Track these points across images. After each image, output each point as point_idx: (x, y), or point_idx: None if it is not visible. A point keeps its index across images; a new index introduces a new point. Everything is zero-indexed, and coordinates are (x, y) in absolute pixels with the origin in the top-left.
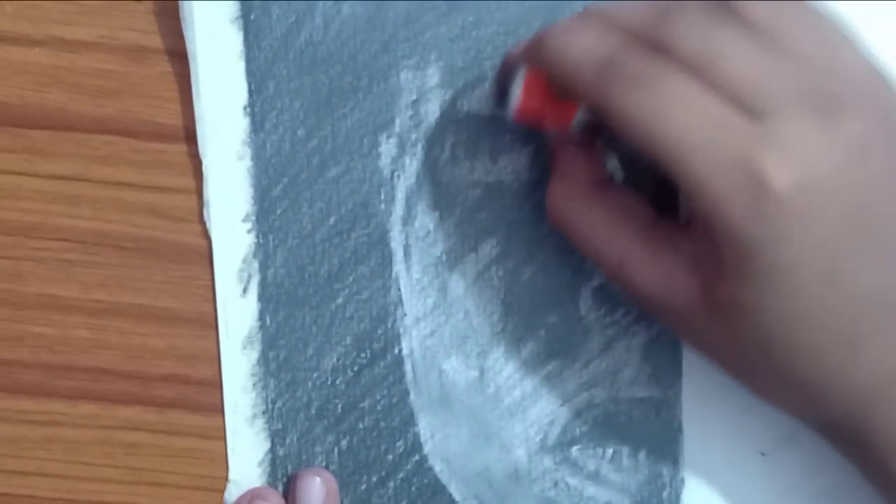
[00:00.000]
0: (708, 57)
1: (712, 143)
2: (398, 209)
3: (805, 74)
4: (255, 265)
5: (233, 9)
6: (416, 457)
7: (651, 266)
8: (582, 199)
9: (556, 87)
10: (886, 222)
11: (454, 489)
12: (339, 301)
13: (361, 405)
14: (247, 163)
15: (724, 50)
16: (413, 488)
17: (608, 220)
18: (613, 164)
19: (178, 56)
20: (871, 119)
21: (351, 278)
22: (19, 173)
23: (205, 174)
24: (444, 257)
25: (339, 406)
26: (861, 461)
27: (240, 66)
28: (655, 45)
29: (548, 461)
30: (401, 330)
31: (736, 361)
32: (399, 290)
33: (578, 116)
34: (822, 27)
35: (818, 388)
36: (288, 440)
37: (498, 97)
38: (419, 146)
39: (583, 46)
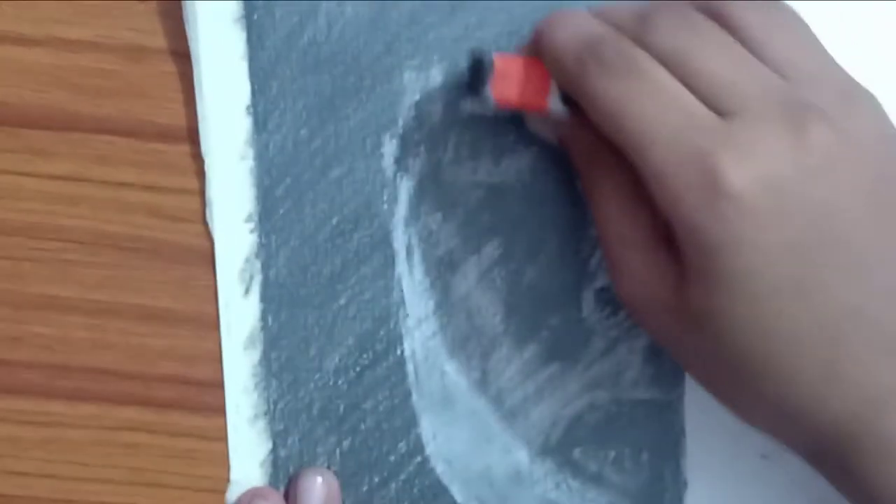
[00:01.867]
0: (685, 53)
1: (676, 135)
2: (401, 210)
3: (779, 81)
4: (258, 265)
5: (236, 9)
6: (418, 458)
7: (647, 252)
8: (607, 156)
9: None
10: (858, 237)
11: (456, 490)
12: (342, 302)
13: (363, 406)
14: (249, 163)
15: (703, 49)
16: (415, 489)
17: (622, 198)
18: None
19: (178, 56)
20: (841, 133)
21: (353, 279)
22: (19, 173)
23: (207, 174)
24: (446, 258)
25: (341, 407)
26: (844, 490)
27: (243, 66)
28: (636, 39)
29: (550, 463)
30: (403, 331)
31: (711, 377)
32: (401, 290)
33: (553, 101)
34: (805, 37)
35: (792, 409)
36: (290, 441)
37: (472, 86)
38: (422, 147)
39: (570, 34)
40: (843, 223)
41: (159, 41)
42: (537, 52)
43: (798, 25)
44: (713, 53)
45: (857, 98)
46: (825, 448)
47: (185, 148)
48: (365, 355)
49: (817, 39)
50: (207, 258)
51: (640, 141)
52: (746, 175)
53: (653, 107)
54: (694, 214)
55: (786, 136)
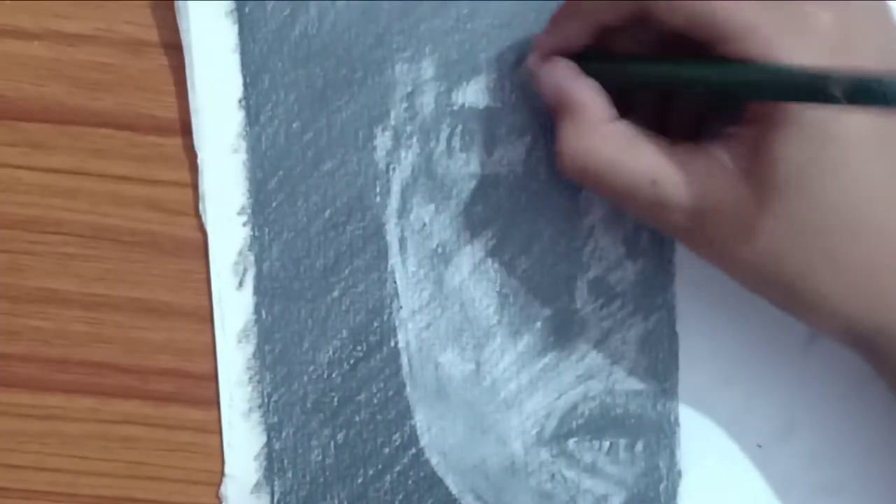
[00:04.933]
0: None
1: None
2: (394, 202)
3: None
4: (251, 258)
5: (227, 2)
6: (413, 450)
7: (687, 174)
8: (597, 135)
9: None
10: None
11: (451, 482)
12: (335, 294)
13: (357, 398)
14: (242, 156)
15: None
16: (409, 481)
17: (629, 147)
18: None
19: (176, 49)
20: None
21: (346, 271)
22: (17, 166)
23: (200, 167)
24: (439, 250)
25: (336, 399)
26: (887, 370)
27: (235, 60)
28: None
29: (544, 454)
30: (397, 323)
31: (783, 256)
32: (395, 282)
33: None
34: None
35: (870, 278)
36: (284, 434)
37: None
38: (414, 139)
39: None
40: None
41: (157, 35)
42: None
43: None
44: None
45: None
46: (875, 321)
47: (184, 141)
48: (359, 347)
49: None
50: (205, 251)
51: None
52: (832, 13)
53: None
54: (789, 53)
55: None
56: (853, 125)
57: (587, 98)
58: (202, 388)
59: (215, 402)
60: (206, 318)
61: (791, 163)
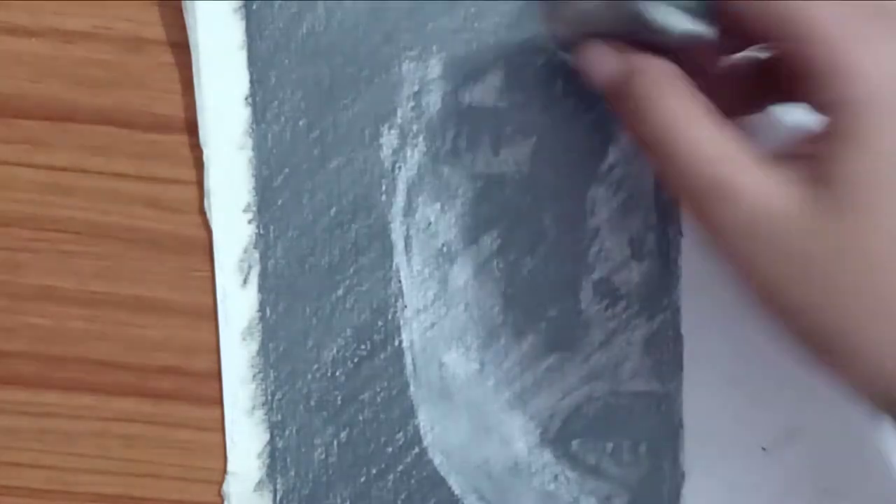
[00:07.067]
0: None
1: (844, 11)
2: (399, 201)
3: None
4: (256, 256)
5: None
6: (416, 449)
7: (758, 166)
8: (685, 92)
9: None
10: None
11: (454, 482)
12: (340, 292)
13: (361, 397)
14: (248, 153)
15: None
16: (412, 481)
17: (713, 115)
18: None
19: (175, 46)
20: None
21: (351, 270)
22: (16, 164)
23: (206, 164)
24: (444, 249)
25: (339, 398)
26: None
27: (241, 57)
28: None
29: (548, 454)
30: (401, 322)
31: (834, 291)
32: (399, 281)
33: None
34: None
35: None
36: (287, 432)
37: None
38: (420, 138)
39: None
40: None
41: (156, 32)
42: None
43: None
44: None
45: None
46: None
47: (183, 138)
48: (363, 346)
49: None
50: (204, 249)
51: (808, 13)
52: None
53: None
54: (868, 70)
55: None
56: None
57: (669, 64)
58: (201, 386)
59: (215, 400)
60: (206, 315)
61: (860, 180)
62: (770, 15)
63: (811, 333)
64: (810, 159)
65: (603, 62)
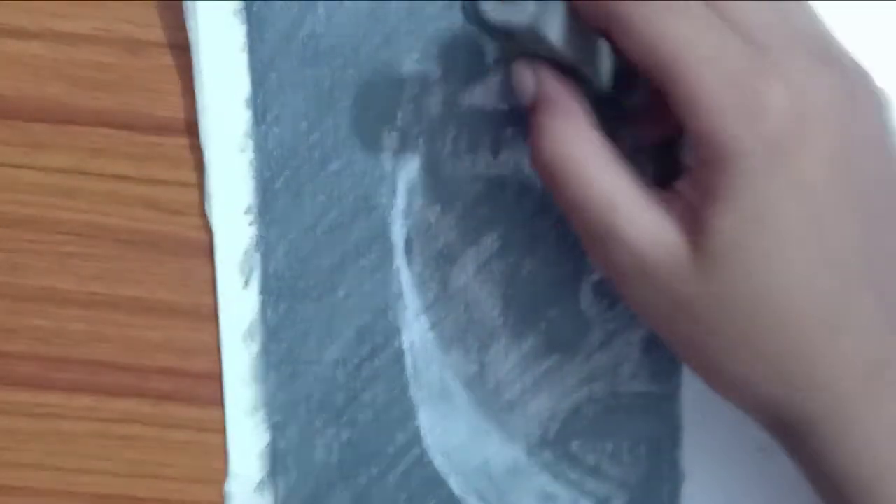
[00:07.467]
0: None
1: (715, 57)
2: (399, 202)
3: (803, 27)
4: (257, 258)
5: (236, 1)
6: (416, 450)
7: (643, 213)
8: (581, 139)
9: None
10: (865, 174)
11: (454, 483)
12: (340, 294)
13: (362, 398)
14: (249, 155)
15: None
16: (413, 481)
17: (607, 164)
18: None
19: (175, 48)
20: (855, 71)
21: (352, 271)
22: (17, 166)
23: (207, 166)
24: (444, 251)
25: (340, 399)
26: (804, 456)
27: (242, 59)
28: None
29: (548, 455)
30: (401, 323)
31: (711, 331)
32: (400, 283)
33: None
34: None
35: (789, 366)
36: (288, 432)
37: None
38: (421, 140)
39: None
40: (855, 156)
41: (157, 34)
42: None
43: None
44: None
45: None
46: (802, 412)
47: (183, 141)
48: (363, 348)
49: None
50: (204, 251)
51: (679, 62)
52: (788, 99)
53: (692, 29)
54: (733, 133)
55: (817, 67)
56: (787, 209)
57: (574, 99)
58: (201, 387)
59: (215, 401)
60: (206, 316)
61: (726, 237)
62: (643, 50)
63: (702, 367)
64: (690, 201)
65: (521, 82)
